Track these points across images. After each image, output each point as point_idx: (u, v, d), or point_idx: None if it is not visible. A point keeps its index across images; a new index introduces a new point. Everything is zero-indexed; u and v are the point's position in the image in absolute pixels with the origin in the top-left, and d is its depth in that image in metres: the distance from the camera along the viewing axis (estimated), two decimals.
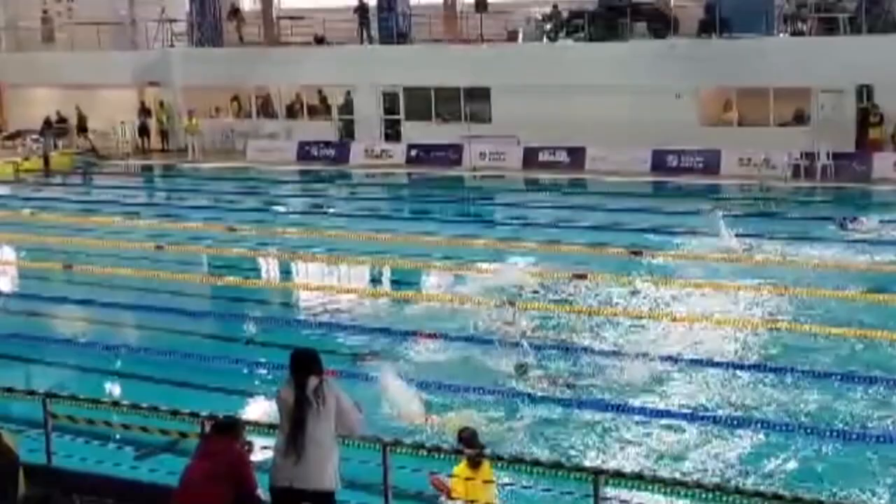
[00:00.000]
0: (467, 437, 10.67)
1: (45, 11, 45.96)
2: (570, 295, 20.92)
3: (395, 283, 22.73)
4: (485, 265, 23.52)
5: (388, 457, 9.01)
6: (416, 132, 38.39)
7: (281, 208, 32.24)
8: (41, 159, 40.80)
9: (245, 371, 17.22)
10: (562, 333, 18.62)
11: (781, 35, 34.69)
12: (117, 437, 13.18)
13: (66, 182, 39.03)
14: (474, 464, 10.06)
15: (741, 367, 16.67)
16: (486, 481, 10.11)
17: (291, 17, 44.24)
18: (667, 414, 14.93)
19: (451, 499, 10.13)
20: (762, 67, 32.63)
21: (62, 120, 43.48)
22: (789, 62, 32.49)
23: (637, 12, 36.35)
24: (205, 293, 23.17)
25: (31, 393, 11.79)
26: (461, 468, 10.10)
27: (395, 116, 39.24)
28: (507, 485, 11.09)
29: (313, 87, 41.61)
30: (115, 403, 12.69)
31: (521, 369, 16.49)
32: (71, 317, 21.49)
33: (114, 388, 16.78)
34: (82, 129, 43.22)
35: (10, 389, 12.05)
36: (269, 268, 25.97)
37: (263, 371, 17.03)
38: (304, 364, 8.41)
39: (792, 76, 32.44)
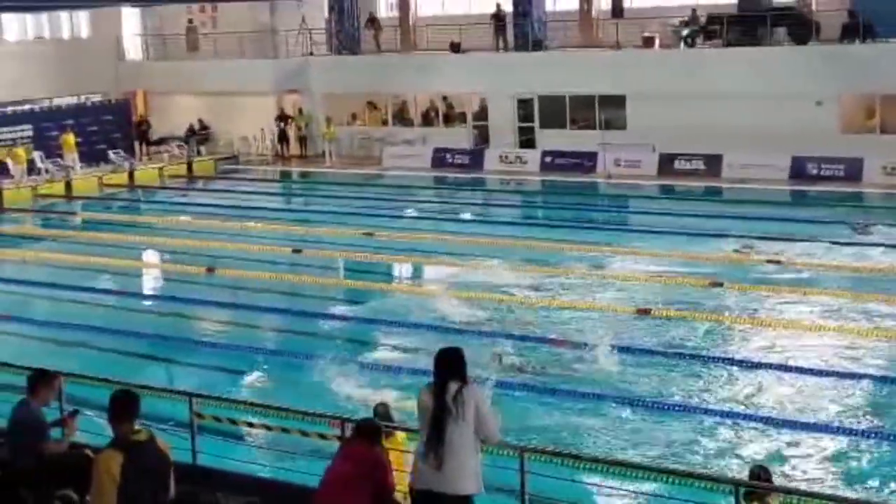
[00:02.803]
0: (383, 413, 11.32)
1: (189, 21, 47.16)
2: (707, 303, 20.74)
3: (530, 289, 22.72)
4: (620, 271, 23.55)
5: (526, 463, 9.08)
6: (551, 139, 38.35)
7: (417, 213, 32.46)
8: (185, 165, 42.05)
9: (379, 374, 17.45)
10: (700, 342, 18.50)
11: None
12: (259, 437, 13.49)
13: (208, 187, 40.00)
14: (387, 435, 10.50)
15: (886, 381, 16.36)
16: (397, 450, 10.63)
17: (428, 25, 44.65)
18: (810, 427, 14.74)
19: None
20: None
21: (204, 127, 44.58)
22: None
23: (778, 17, 35.76)
24: (342, 297, 23.48)
25: (178, 393, 12.14)
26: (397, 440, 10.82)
27: (530, 124, 39.26)
28: (637, 492, 11.09)
29: (448, 95, 41.91)
30: (258, 405, 12.97)
31: (498, 358, 17.16)
32: (214, 319, 22.01)
33: (255, 390, 17.13)
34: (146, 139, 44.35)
35: (159, 389, 12.43)
36: (405, 272, 26.19)
37: (398, 375, 17.21)
38: (447, 367, 8.48)
39: None
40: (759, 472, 9.68)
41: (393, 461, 10.21)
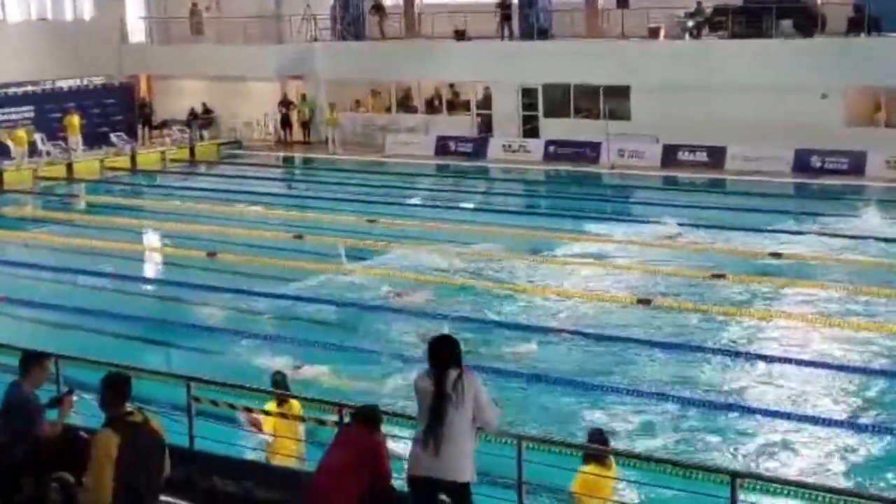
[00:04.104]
0: (279, 381, 12.29)
1: (194, 4, 47.01)
2: (708, 294, 20.71)
3: (530, 277, 22.68)
4: (621, 262, 23.52)
5: (523, 451, 9.03)
6: (555, 129, 38.28)
7: (419, 201, 32.36)
8: (187, 149, 41.96)
9: (382, 361, 17.40)
10: (700, 332, 18.48)
11: None
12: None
13: (210, 171, 39.91)
14: (280, 402, 11.79)
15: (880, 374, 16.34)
16: (295, 417, 11.66)
17: (433, 13, 44.47)
18: (805, 418, 14.71)
19: (262, 432, 11.88)
20: None
21: (208, 111, 44.50)
22: None
23: (783, 9, 35.62)
24: (342, 284, 23.41)
25: (176, 376, 12.11)
26: (270, 405, 11.89)
27: (534, 113, 39.18)
28: (633, 482, 11.07)
29: (452, 83, 41.80)
30: (255, 389, 12.93)
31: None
32: (214, 303, 21.90)
33: (252, 375, 17.07)
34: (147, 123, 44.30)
35: (157, 372, 12.39)
36: (407, 260, 26.09)
37: (398, 361, 17.15)
38: (444, 355, 8.40)
39: None
40: (599, 436, 10.24)
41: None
